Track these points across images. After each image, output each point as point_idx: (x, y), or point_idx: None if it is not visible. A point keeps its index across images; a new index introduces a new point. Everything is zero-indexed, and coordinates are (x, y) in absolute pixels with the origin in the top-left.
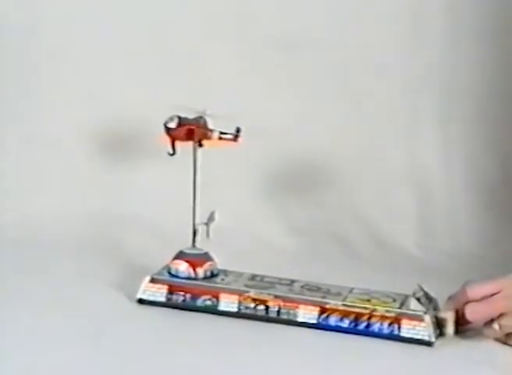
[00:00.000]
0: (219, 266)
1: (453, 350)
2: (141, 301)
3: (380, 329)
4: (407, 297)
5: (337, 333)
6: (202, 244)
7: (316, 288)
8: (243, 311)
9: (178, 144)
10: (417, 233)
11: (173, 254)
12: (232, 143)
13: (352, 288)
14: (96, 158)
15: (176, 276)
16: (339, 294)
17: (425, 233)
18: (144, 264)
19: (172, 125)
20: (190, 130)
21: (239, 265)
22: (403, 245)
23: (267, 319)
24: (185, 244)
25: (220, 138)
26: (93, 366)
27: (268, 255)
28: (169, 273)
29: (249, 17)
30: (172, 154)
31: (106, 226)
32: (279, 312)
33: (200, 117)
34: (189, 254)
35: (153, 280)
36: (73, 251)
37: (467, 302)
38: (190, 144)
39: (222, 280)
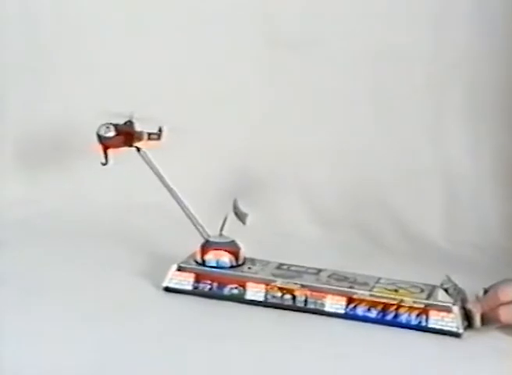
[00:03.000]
0: (246, 255)
1: (481, 341)
2: (168, 290)
3: (408, 320)
4: (434, 288)
5: (365, 324)
6: (229, 233)
7: (343, 278)
8: (270, 300)
9: (111, 152)
10: (444, 225)
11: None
12: (158, 142)
13: (379, 278)
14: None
15: (221, 267)
16: (366, 284)
17: (452, 224)
18: (171, 252)
19: (110, 134)
20: (128, 137)
21: (265, 254)
22: (429, 236)
23: (294, 308)
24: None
25: (149, 139)
26: (119, 353)
27: (293, 244)
28: (196, 261)
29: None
30: (105, 163)
31: (132, 215)
32: (306, 301)
33: (130, 121)
34: (216, 242)
35: (180, 269)
36: (100, 240)
37: (500, 305)
38: (121, 150)
39: (249, 268)
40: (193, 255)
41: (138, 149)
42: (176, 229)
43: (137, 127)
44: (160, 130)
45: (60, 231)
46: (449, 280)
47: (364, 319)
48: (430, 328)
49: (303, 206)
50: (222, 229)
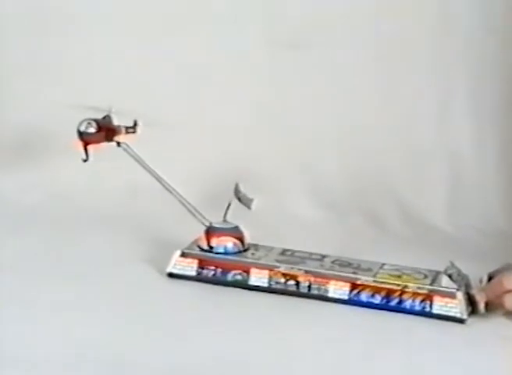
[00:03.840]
0: (250, 241)
1: (485, 327)
2: (171, 275)
3: (412, 305)
4: (438, 273)
5: (368, 310)
6: (232, 219)
7: (347, 263)
8: (274, 286)
9: (91, 148)
10: (449, 210)
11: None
12: (133, 135)
13: (383, 264)
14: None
15: (225, 253)
16: (369, 269)
17: (456, 209)
18: (174, 238)
19: (92, 130)
20: (109, 132)
21: (268, 239)
22: (433, 221)
23: (297, 294)
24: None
25: (126, 132)
26: (123, 338)
27: (297, 229)
28: (200, 247)
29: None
30: (86, 159)
31: (136, 200)
32: (309, 287)
33: (108, 116)
34: (219, 228)
35: (183, 254)
36: (103, 226)
37: (505, 292)
38: (101, 145)
39: (253, 254)
40: (196, 241)
41: (118, 144)
42: (179, 214)
43: (115, 121)
44: (135, 123)
45: (62, 218)
46: (453, 265)
47: (368, 305)
48: (434, 314)
49: (307, 191)
50: (225, 214)
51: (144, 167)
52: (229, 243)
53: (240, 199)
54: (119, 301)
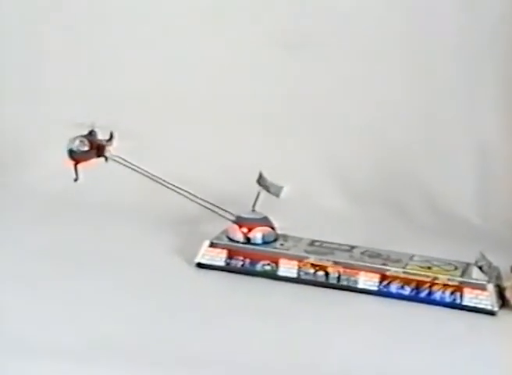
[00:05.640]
0: (278, 231)
1: None
2: (200, 266)
3: (442, 297)
4: (468, 265)
5: (398, 301)
6: (262, 209)
7: (376, 254)
8: (303, 277)
9: (81, 166)
10: (478, 202)
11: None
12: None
13: (412, 255)
14: (159, 122)
15: (253, 243)
16: (399, 261)
17: (485, 201)
18: (203, 228)
19: (85, 148)
20: (99, 148)
21: (295, 230)
22: (461, 213)
23: (326, 285)
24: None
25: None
26: (152, 328)
27: (323, 220)
28: (228, 237)
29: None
30: (77, 179)
31: (165, 191)
32: (339, 278)
33: (93, 131)
34: (247, 218)
35: (212, 245)
36: (133, 216)
37: None
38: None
39: (282, 245)
40: (225, 231)
41: (106, 158)
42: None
43: (99, 136)
44: (111, 135)
45: (95, 207)
46: (484, 257)
47: (398, 297)
48: (464, 306)
49: (333, 183)
50: (254, 205)
51: (149, 176)
52: (257, 233)
53: (266, 188)
54: (147, 292)
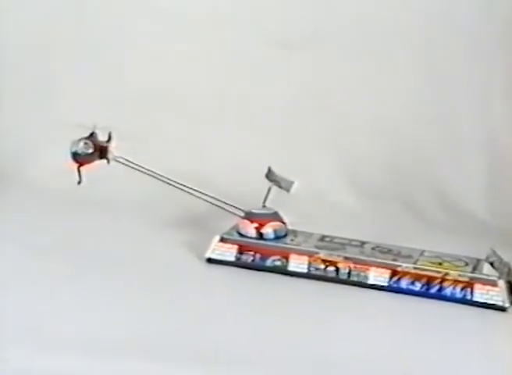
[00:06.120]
0: (289, 227)
1: None
2: (210, 261)
3: (452, 293)
4: (479, 261)
5: (408, 297)
6: (271, 205)
7: (387, 250)
8: (313, 272)
9: (84, 168)
10: (489, 199)
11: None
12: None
13: (423, 251)
14: (165, 122)
15: (264, 238)
16: (410, 256)
17: (496, 198)
18: (212, 225)
19: (90, 150)
20: (103, 150)
21: (305, 225)
22: (472, 209)
23: (337, 280)
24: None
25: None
26: (163, 322)
27: (334, 216)
28: (239, 233)
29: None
30: (80, 181)
31: (176, 186)
32: (349, 273)
33: (94, 132)
34: (258, 214)
35: (222, 240)
36: (141, 214)
37: None
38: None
39: (292, 240)
40: (235, 227)
41: (108, 160)
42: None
43: (100, 137)
44: (110, 136)
45: (106, 203)
46: (495, 253)
47: (408, 292)
48: (475, 302)
49: (343, 178)
50: (265, 200)
51: (153, 175)
52: (268, 228)
53: (277, 183)
54: (158, 286)
